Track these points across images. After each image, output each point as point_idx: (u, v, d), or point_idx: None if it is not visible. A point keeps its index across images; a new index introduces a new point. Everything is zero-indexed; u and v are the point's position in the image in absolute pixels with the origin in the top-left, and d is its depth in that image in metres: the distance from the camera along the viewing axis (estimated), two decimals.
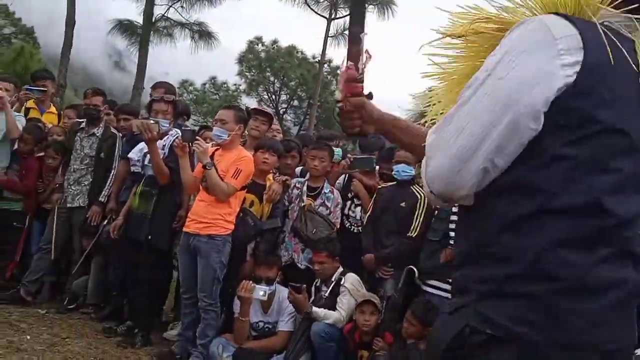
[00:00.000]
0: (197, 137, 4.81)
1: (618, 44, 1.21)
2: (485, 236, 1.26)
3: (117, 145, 5.97)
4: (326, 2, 19.11)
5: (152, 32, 14.43)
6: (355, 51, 1.80)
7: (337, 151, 5.57)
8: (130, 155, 5.37)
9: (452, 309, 1.32)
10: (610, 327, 1.19)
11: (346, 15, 19.25)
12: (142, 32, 14.17)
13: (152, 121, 5.02)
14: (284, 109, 31.31)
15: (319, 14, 19.12)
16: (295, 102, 31.49)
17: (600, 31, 1.21)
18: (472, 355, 1.24)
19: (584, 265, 1.17)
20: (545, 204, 1.19)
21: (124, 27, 14.65)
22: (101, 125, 6.07)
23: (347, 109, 1.74)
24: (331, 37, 19.33)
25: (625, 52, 1.21)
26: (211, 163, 4.60)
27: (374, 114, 1.75)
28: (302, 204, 5.09)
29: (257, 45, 30.29)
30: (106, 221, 5.66)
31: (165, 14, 14.89)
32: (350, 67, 1.71)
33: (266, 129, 5.40)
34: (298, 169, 5.69)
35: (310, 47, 31.49)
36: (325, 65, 26.53)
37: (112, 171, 5.89)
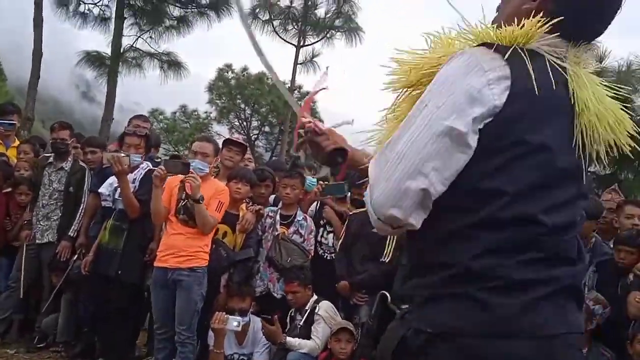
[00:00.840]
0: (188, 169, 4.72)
1: (549, 70, 1.30)
2: (426, 249, 1.36)
3: (86, 178, 5.92)
4: (294, 29, 19.29)
5: (120, 63, 14.37)
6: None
7: (310, 179, 5.60)
8: (100, 190, 5.30)
9: (399, 316, 1.47)
10: (542, 315, 1.26)
11: (315, 43, 19.51)
12: (110, 64, 14.13)
13: (122, 154, 5.00)
14: (256, 136, 31.38)
15: (287, 42, 19.30)
16: (267, 129, 31.60)
17: (527, 61, 1.28)
18: (416, 355, 1.32)
19: (511, 267, 1.25)
20: (477, 219, 1.27)
21: (92, 58, 14.58)
22: (69, 159, 6.02)
23: (319, 131, 1.78)
24: (300, 64, 19.47)
25: (553, 79, 1.29)
26: (202, 197, 4.58)
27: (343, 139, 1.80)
28: (276, 233, 5.09)
29: (227, 72, 30.42)
30: (76, 256, 5.58)
31: (134, 45, 14.87)
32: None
33: (240, 159, 5.41)
34: (271, 198, 5.70)
35: (280, 74, 31.70)
36: (296, 91, 26.72)
37: (82, 205, 5.81)
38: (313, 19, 19.33)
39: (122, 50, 14.35)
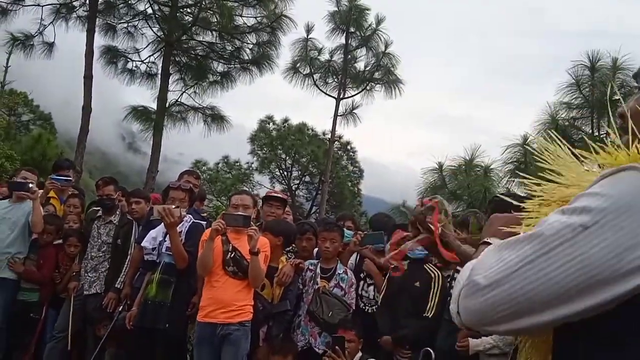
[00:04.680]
0: (249, 222, 4.79)
1: None
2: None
3: (134, 231, 6.08)
4: (335, 82, 19.60)
5: (165, 117, 14.80)
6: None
7: (348, 233, 5.62)
8: (143, 244, 5.40)
9: None
10: None
11: (354, 95, 19.74)
12: (156, 118, 14.56)
13: (173, 206, 5.11)
14: (296, 185, 31.62)
15: (328, 94, 19.59)
16: (307, 178, 31.83)
17: None
18: None
19: None
20: None
21: (138, 113, 15.06)
22: (117, 212, 6.22)
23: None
24: (340, 115, 19.70)
25: None
26: (260, 250, 4.63)
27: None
28: (316, 286, 5.10)
29: (269, 124, 30.99)
30: (121, 307, 5.68)
31: (179, 99, 15.33)
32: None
33: (281, 213, 5.49)
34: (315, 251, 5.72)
35: (320, 124, 32.06)
36: (336, 142, 26.97)
37: (128, 257, 5.96)
38: (353, 72, 19.62)
39: (167, 105, 14.79)
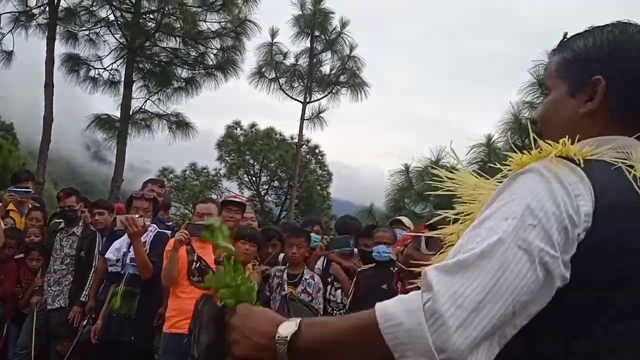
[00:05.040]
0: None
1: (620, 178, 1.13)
2: None
3: (97, 242, 5.98)
4: (301, 86, 19.60)
5: (130, 125, 14.62)
6: None
7: (315, 237, 5.61)
8: (107, 255, 5.33)
9: None
10: None
11: (321, 99, 19.79)
12: (119, 126, 14.36)
13: (136, 215, 5.04)
14: (265, 191, 31.52)
15: (294, 99, 19.59)
16: (276, 183, 31.75)
17: (613, 174, 1.13)
18: None
19: None
20: None
21: (102, 121, 14.82)
22: (80, 223, 6.11)
23: None
24: (307, 119, 19.72)
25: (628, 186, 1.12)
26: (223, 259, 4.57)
27: None
28: (284, 293, 5.08)
29: (236, 129, 30.81)
30: (85, 321, 5.58)
31: (143, 107, 15.14)
32: None
33: (240, 218, 5.41)
34: (281, 257, 5.70)
35: (288, 128, 32.05)
36: (304, 146, 26.95)
37: (92, 269, 5.85)
38: (318, 75, 19.66)
39: (131, 113, 14.61)
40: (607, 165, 1.13)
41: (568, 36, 1.36)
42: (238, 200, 5.80)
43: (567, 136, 1.17)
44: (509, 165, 1.21)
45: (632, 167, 1.15)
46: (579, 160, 1.12)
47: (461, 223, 1.27)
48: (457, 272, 1.01)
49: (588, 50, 1.27)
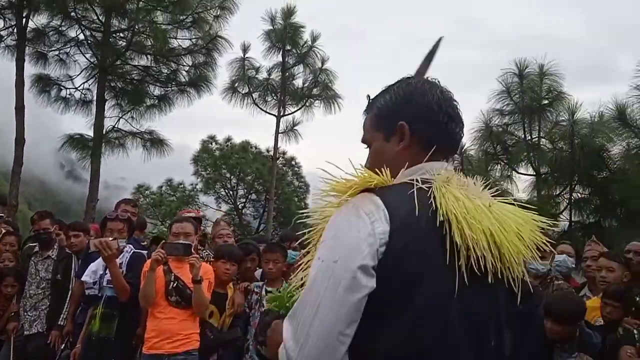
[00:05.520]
0: (190, 251, 4.73)
1: (417, 200, 1.44)
2: None
3: (73, 265, 5.94)
4: (274, 100, 19.65)
5: (103, 144, 14.52)
6: None
7: (293, 254, 5.63)
8: (83, 278, 5.28)
9: None
10: None
11: (294, 112, 19.85)
12: (93, 146, 14.25)
13: (110, 238, 5.02)
14: (243, 204, 31.44)
15: (268, 112, 19.62)
16: (254, 196, 31.69)
17: (403, 198, 1.44)
18: None
19: None
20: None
21: (75, 141, 14.70)
22: (55, 246, 6.07)
23: None
24: (282, 133, 19.76)
25: (417, 205, 1.43)
26: (202, 278, 4.59)
27: None
28: (263, 309, 5.08)
29: (211, 144, 30.73)
30: (63, 345, 5.53)
31: (116, 125, 15.05)
32: None
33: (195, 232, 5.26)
34: (258, 272, 5.70)
35: (264, 141, 32.02)
36: (280, 158, 26.98)
37: (69, 292, 5.81)
38: (291, 89, 19.72)
39: (104, 132, 14.51)
40: (405, 190, 1.47)
41: (371, 98, 1.72)
42: (192, 215, 5.79)
43: (395, 171, 1.53)
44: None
45: (437, 185, 1.49)
46: (377, 189, 1.47)
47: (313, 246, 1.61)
48: (293, 317, 1.40)
49: (388, 104, 1.65)
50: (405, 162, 1.55)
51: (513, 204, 1.64)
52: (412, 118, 1.59)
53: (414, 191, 1.46)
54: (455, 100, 1.65)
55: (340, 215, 1.45)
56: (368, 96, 1.74)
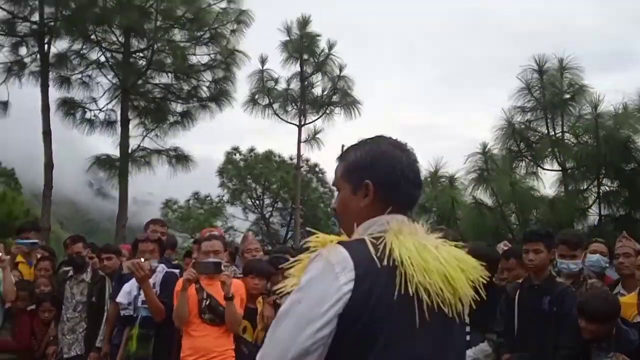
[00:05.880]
0: (220, 268, 4.80)
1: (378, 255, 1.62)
2: None
3: (107, 287, 6.04)
4: (294, 109, 19.73)
5: (130, 163, 14.74)
6: None
7: None
8: (118, 299, 5.37)
9: None
10: None
11: (315, 120, 19.93)
12: (120, 165, 14.49)
13: (142, 259, 5.11)
14: (270, 213, 31.58)
15: (289, 122, 19.72)
16: (280, 204, 31.81)
17: (365, 249, 1.62)
18: None
19: None
20: None
21: (102, 162, 14.98)
22: (88, 270, 6.18)
23: None
24: (304, 142, 19.83)
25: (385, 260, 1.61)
26: (234, 295, 4.66)
27: None
28: None
29: (235, 155, 30.94)
30: None
31: (141, 144, 15.30)
32: None
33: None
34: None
35: (287, 149, 32.14)
36: (304, 166, 27.06)
37: (105, 314, 5.91)
38: (311, 97, 19.78)
39: (130, 151, 14.74)
40: (364, 242, 1.64)
41: (345, 148, 1.90)
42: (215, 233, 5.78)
43: (355, 222, 1.76)
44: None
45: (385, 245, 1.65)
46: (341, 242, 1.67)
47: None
48: (264, 346, 1.62)
49: (357, 161, 1.82)
50: (367, 217, 1.75)
51: (456, 247, 1.80)
52: (377, 179, 1.77)
53: (373, 242, 1.65)
54: (418, 163, 1.86)
55: (313, 264, 1.63)
56: (343, 146, 1.98)
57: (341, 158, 1.89)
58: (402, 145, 1.86)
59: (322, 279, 1.59)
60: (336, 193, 1.91)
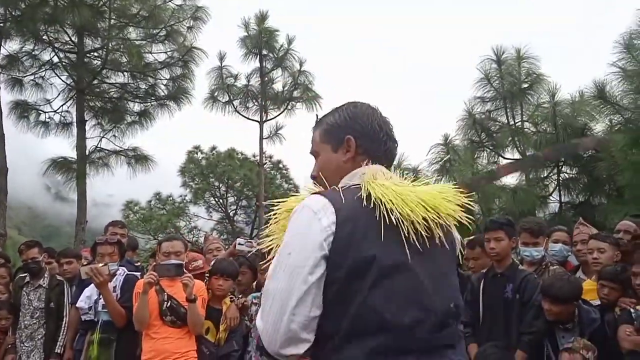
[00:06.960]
0: (182, 270, 4.71)
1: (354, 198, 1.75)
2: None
3: (66, 292, 5.90)
4: (255, 106, 19.60)
5: (87, 165, 14.44)
6: None
7: None
8: (78, 304, 5.26)
9: None
10: None
11: (277, 116, 19.83)
12: (77, 168, 14.18)
13: (100, 264, 4.98)
14: (234, 211, 31.33)
15: (250, 119, 19.58)
16: (244, 202, 31.60)
17: (341, 194, 1.76)
18: None
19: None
20: (343, 338, 1.69)
21: (58, 165, 14.62)
22: (46, 275, 6.02)
23: None
24: (266, 138, 19.73)
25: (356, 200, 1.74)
26: (196, 297, 4.58)
27: None
28: None
29: (197, 153, 30.59)
30: None
31: (99, 145, 14.99)
32: None
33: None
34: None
35: (250, 147, 31.89)
36: (267, 163, 26.91)
37: (64, 319, 5.77)
38: (272, 93, 19.69)
39: (87, 153, 14.44)
40: (344, 190, 1.77)
41: (319, 117, 2.06)
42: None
43: (339, 177, 1.90)
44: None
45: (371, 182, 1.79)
46: (321, 191, 1.82)
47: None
48: (262, 300, 1.76)
49: (336, 121, 1.97)
50: (349, 171, 1.91)
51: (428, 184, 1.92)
52: (358, 134, 1.93)
53: (350, 187, 1.81)
54: (392, 125, 2.01)
55: (295, 215, 1.77)
56: (317, 115, 2.10)
57: (317, 124, 2.04)
58: (372, 105, 2.02)
59: (306, 225, 1.71)
60: (310, 168, 2.04)
